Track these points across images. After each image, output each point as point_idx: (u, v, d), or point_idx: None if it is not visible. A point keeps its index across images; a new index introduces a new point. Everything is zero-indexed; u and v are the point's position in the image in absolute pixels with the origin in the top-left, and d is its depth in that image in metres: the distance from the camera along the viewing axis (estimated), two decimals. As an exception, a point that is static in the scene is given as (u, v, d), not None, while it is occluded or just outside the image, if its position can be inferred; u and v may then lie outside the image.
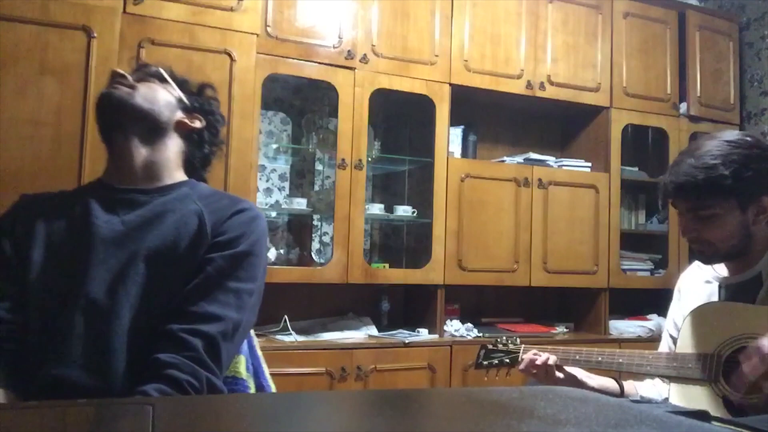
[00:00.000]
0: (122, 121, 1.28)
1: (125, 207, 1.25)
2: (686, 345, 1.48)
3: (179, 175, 1.34)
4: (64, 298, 1.16)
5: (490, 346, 1.78)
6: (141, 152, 1.29)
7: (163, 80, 1.36)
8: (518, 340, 1.77)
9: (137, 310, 1.15)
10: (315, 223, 3.29)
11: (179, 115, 1.34)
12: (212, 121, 1.42)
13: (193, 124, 1.36)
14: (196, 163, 1.39)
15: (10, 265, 1.22)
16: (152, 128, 1.29)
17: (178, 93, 1.36)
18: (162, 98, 1.32)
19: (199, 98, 1.41)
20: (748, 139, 1.43)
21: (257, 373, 1.34)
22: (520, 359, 1.70)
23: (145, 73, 1.35)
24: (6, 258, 1.23)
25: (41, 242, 1.22)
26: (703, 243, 1.47)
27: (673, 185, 1.45)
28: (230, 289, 1.18)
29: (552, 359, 1.63)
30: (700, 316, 1.48)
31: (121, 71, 1.30)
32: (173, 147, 1.33)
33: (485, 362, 1.77)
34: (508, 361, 1.74)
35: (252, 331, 1.35)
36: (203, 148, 1.40)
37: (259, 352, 1.38)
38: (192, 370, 1.08)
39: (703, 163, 1.41)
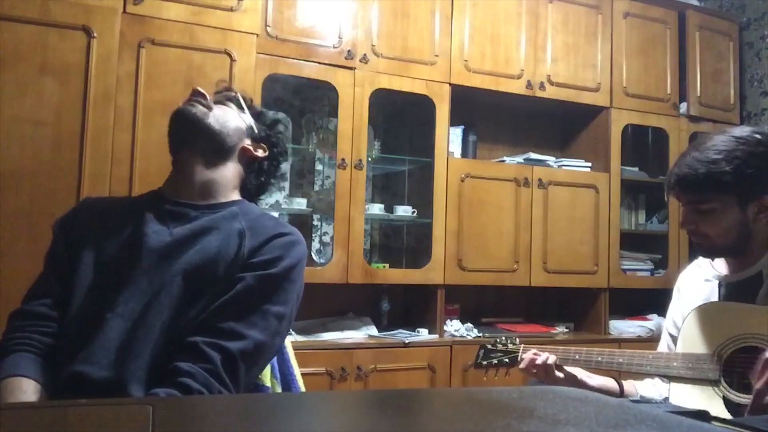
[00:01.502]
0: (191, 137, 1.32)
1: (176, 219, 1.28)
2: (687, 344, 1.48)
3: (233, 195, 1.38)
4: (103, 302, 1.19)
5: (490, 346, 1.78)
6: (202, 170, 1.33)
7: (239, 106, 1.41)
8: (517, 339, 1.77)
9: (168, 321, 1.17)
10: (315, 223, 3.29)
11: (246, 142, 1.39)
12: (275, 153, 1.46)
13: (256, 153, 1.41)
14: (251, 189, 1.43)
15: (62, 264, 1.26)
16: (218, 150, 1.34)
17: (250, 121, 1.41)
18: (233, 123, 1.37)
19: (269, 130, 1.46)
20: (758, 136, 1.42)
21: (287, 381, 1.38)
22: (519, 359, 1.70)
23: (224, 96, 1.42)
24: (59, 256, 1.28)
25: (94, 245, 1.26)
26: (700, 236, 1.48)
27: (674, 177, 1.46)
28: (259, 310, 1.19)
29: (552, 359, 1.63)
30: (701, 315, 1.48)
31: (202, 90, 1.35)
32: (233, 170, 1.37)
33: (484, 362, 1.77)
34: (507, 360, 1.74)
35: (288, 340, 1.39)
36: (261, 176, 1.44)
37: (293, 360, 1.41)
38: (206, 381, 1.10)
39: (705, 157, 1.41)
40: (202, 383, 1.10)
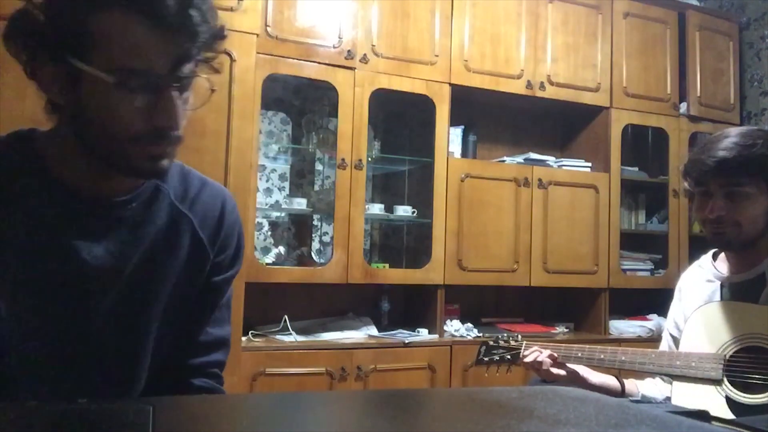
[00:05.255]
0: None
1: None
2: (689, 344, 1.48)
3: None
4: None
5: (492, 343, 1.79)
6: None
7: None
8: (519, 336, 1.78)
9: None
10: (315, 223, 3.29)
11: None
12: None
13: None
14: None
15: None
16: None
17: None
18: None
19: None
20: None
21: None
22: (521, 356, 1.71)
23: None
24: None
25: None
26: (728, 224, 1.45)
27: (713, 160, 1.44)
28: (224, 304, 1.11)
29: (554, 355, 1.63)
30: (704, 315, 1.48)
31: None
32: None
33: (486, 358, 1.77)
34: (509, 357, 1.74)
35: None
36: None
37: None
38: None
39: (744, 141, 1.43)
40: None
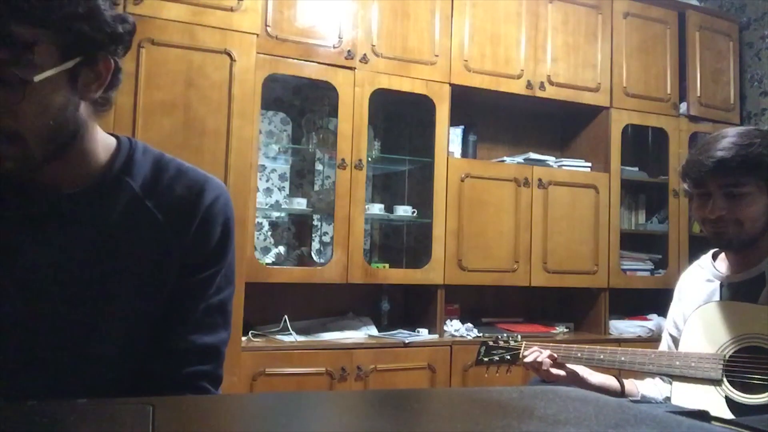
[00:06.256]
0: None
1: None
2: (689, 344, 1.49)
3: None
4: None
5: (492, 343, 1.79)
6: None
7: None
8: (519, 336, 1.78)
9: None
10: (315, 223, 3.30)
11: None
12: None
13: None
14: None
15: None
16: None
17: None
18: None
19: None
20: None
21: None
22: (521, 356, 1.71)
23: None
24: None
25: None
26: (729, 223, 1.45)
27: (712, 160, 1.44)
28: (215, 308, 0.99)
29: (554, 355, 1.64)
30: (704, 315, 1.48)
31: None
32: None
33: (486, 358, 1.77)
34: (509, 357, 1.74)
35: None
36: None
37: None
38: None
39: (742, 141, 1.43)
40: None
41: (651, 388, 1.66)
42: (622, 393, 1.64)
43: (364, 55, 2.97)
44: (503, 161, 3.41)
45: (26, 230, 0.90)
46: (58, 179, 0.91)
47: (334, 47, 2.92)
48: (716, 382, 1.40)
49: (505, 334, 1.81)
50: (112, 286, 0.93)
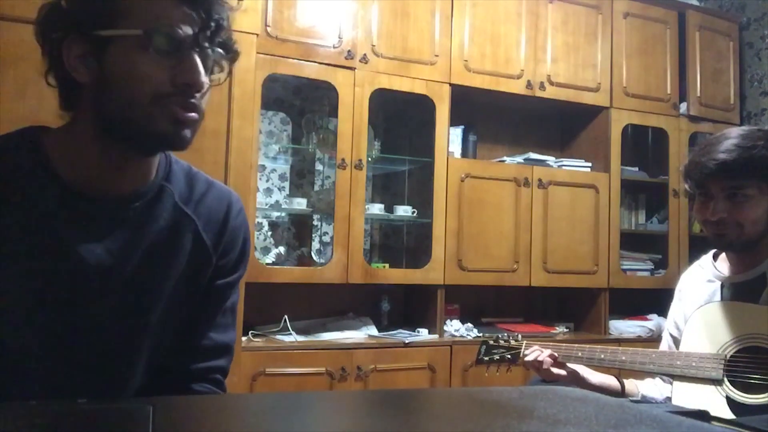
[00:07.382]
0: None
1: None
2: (690, 344, 1.49)
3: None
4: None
5: (492, 342, 1.79)
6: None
7: None
8: (519, 336, 1.78)
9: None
10: (315, 223, 3.30)
11: None
12: None
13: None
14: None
15: None
16: None
17: None
18: None
19: None
20: None
21: None
22: (522, 355, 1.71)
23: None
24: None
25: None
26: (730, 226, 1.45)
27: (714, 162, 1.43)
28: (229, 309, 1.10)
29: (554, 354, 1.64)
30: (705, 315, 1.48)
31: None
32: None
33: (486, 358, 1.77)
34: (509, 357, 1.74)
35: None
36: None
37: None
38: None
39: (744, 143, 1.42)
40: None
41: (651, 388, 1.66)
42: (622, 393, 1.64)
43: (364, 55, 2.97)
44: (503, 161, 3.41)
45: (80, 233, 0.93)
46: (117, 187, 0.96)
47: (334, 47, 2.92)
48: (717, 382, 1.40)
49: (505, 334, 1.81)
50: (158, 290, 0.98)
